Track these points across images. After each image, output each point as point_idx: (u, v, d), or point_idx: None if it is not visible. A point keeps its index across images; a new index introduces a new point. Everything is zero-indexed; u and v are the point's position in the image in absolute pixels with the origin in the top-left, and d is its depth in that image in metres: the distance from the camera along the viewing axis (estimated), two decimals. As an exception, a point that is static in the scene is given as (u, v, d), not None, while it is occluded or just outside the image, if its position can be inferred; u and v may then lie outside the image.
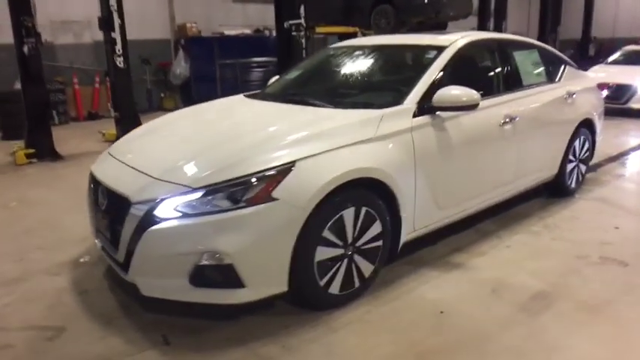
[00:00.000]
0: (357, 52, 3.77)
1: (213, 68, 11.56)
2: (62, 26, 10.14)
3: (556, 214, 4.02)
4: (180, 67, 11.41)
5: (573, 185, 4.48)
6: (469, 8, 9.50)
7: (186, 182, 2.32)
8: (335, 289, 2.57)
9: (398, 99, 2.93)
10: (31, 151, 6.17)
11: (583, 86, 4.44)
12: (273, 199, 2.27)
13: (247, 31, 12.28)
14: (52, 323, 2.58)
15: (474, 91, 2.89)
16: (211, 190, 2.27)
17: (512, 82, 3.69)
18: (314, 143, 2.48)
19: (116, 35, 6.79)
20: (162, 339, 2.40)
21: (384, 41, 3.82)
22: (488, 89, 3.45)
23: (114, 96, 7.19)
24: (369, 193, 2.60)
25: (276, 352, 2.28)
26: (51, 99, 9.49)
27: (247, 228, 2.24)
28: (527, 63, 3.92)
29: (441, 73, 3.08)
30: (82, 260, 3.31)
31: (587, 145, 4.51)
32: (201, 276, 2.29)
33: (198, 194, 2.27)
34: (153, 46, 11.39)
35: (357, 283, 2.68)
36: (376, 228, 2.67)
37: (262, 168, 2.32)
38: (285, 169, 2.33)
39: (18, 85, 9.18)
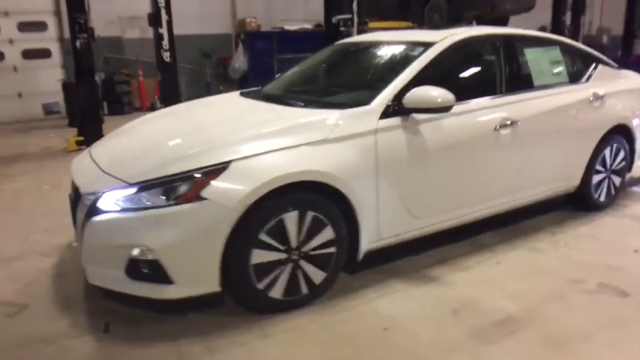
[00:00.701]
0: (352, 50, 3.63)
1: (271, 62, 11.74)
2: (130, 22, 10.83)
3: (571, 230, 3.61)
4: (239, 61, 11.73)
5: (603, 199, 3.98)
6: (531, 1, 8.77)
7: (124, 177, 2.37)
8: (277, 293, 2.50)
9: (369, 99, 2.77)
10: (81, 138, 6.68)
11: (619, 88, 3.93)
12: (202, 199, 2.25)
13: (308, 26, 12.32)
14: (19, 301, 2.77)
15: (446, 92, 2.65)
16: (145, 186, 2.31)
17: (518, 82, 3.34)
18: (257, 143, 2.42)
19: (163, 31, 7.14)
20: (104, 326, 2.49)
21: (380, 38, 3.62)
22: (482, 90, 3.15)
23: (161, 89, 7.56)
24: (316, 197, 2.49)
25: (198, 351, 2.27)
26: (116, 90, 10.29)
27: (174, 226, 2.25)
28: (542, 61, 3.52)
29: (421, 72, 2.86)
30: (73, 244, 3.52)
31: (622, 155, 3.98)
32: (135, 269, 2.33)
33: (133, 190, 2.31)
34: (214, 40, 11.83)
35: (304, 290, 2.58)
36: (327, 234, 2.55)
37: (194, 167, 2.30)
38: (218, 170, 2.30)
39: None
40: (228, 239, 2.30)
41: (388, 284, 2.85)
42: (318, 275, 2.60)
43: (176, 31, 11.40)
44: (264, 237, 2.38)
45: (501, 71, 3.27)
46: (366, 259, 2.85)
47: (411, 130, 2.76)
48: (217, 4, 11.89)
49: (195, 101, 3.68)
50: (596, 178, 3.87)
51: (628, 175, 4.22)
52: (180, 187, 2.28)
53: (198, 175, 2.29)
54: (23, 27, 9.13)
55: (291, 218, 2.43)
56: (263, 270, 2.43)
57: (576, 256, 3.19)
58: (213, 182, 2.27)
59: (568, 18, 11.61)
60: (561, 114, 3.48)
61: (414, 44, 3.13)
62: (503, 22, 9.26)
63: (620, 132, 3.92)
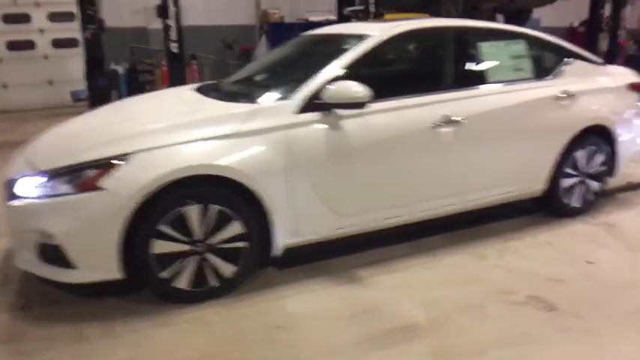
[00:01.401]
0: (307, 43, 3.57)
1: (293, 54, 11.76)
2: (155, 12, 11.13)
3: (529, 236, 3.41)
4: (261, 52, 11.82)
5: (577, 205, 3.74)
6: (555, -7, 8.28)
7: (36, 166, 2.48)
8: (183, 284, 2.54)
9: (291, 93, 2.73)
10: (90, 125, 6.97)
11: (598, 86, 3.66)
12: (100, 189, 2.32)
13: (333, 17, 12.21)
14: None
15: (362, 88, 2.57)
16: (52, 174, 2.40)
17: (466, 78, 3.18)
18: (162, 136, 2.46)
19: (171, 22, 7.29)
20: (23, 305, 2.62)
21: (326, 31, 3.54)
22: (420, 86, 3.01)
23: (170, 79, 7.76)
24: (221, 191, 2.50)
25: (97, 334, 2.35)
26: (139, 79, 10.64)
27: (74, 213, 2.33)
28: (501, 56, 3.32)
29: (351, 66, 2.79)
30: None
31: (600, 158, 3.71)
32: (43, 253, 2.44)
33: (44, 178, 2.41)
34: (238, 31, 11.96)
35: (213, 282, 2.61)
36: (235, 228, 2.56)
37: (95, 158, 2.37)
38: (118, 160, 2.35)
39: (113, 65, 10.51)
40: (129, 228, 2.36)
41: (308, 282, 2.82)
42: (227, 268, 2.62)
43: (201, 22, 11.74)
44: (163, 228, 2.42)
45: (446, 66, 3.13)
46: (301, 255, 2.87)
47: (333, 126, 2.70)
48: (243, -5, 12.04)
49: (148, 94, 3.76)
50: (565, 182, 3.64)
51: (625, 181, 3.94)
52: (81, 176, 2.35)
53: (99, 164, 2.35)
54: (53, 17, 9.59)
55: (192, 211, 2.45)
56: (165, 260, 2.47)
57: (519, 265, 3.02)
58: (112, 173, 2.33)
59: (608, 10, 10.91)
60: (519, 112, 3.28)
61: (351, 38, 3.05)
62: (526, 15, 8.82)
63: (597, 133, 3.66)
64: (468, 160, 3.13)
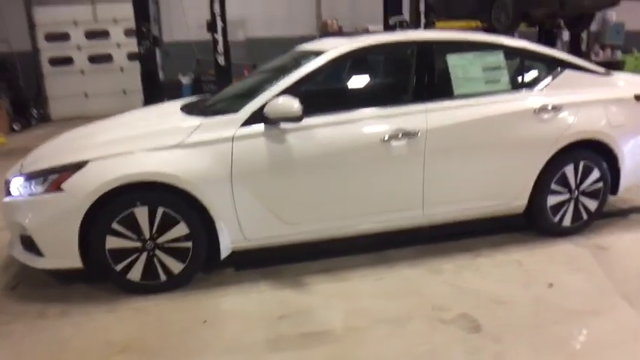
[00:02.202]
0: (285, 58, 3.75)
1: (349, 63, 11.94)
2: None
3: (501, 254, 3.28)
4: (319, 62, 12.15)
5: (567, 224, 3.51)
6: (614, -4, 7.61)
7: (22, 169, 2.93)
8: (135, 276, 2.85)
9: (240, 107, 2.94)
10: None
11: (594, 97, 3.42)
12: (61, 190, 2.70)
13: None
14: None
15: (295, 103, 2.71)
16: (28, 177, 2.83)
17: (427, 91, 3.14)
18: (117, 146, 2.80)
19: (218, 36, 7.84)
20: (14, 285, 3.10)
21: (309, 46, 3.66)
22: (373, 99, 3.05)
23: (218, 89, 8.31)
24: (167, 196, 2.77)
25: (55, 313, 2.73)
26: (204, 89, 11.44)
27: (41, 210, 2.74)
28: (472, 68, 3.23)
29: (299, 82, 2.94)
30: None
31: (595, 175, 3.45)
32: (23, 242, 2.89)
33: (23, 179, 2.85)
34: (299, 42, 12.34)
35: (163, 277, 2.89)
36: (181, 229, 2.82)
37: (60, 164, 2.76)
38: (76, 166, 2.72)
39: (179, 76, 11.42)
40: (86, 225, 2.72)
41: (256, 284, 3.00)
42: (176, 266, 2.88)
43: (262, 34, 12.36)
44: (116, 226, 2.74)
45: (403, 80, 3.13)
46: (264, 259, 3.13)
47: (275, 139, 2.86)
48: (304, 6, 12.43)
49: (143, 108, 4.17)
50: (552, 200, 3.44)
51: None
52: (47, 179, 2.75)
53: (62, 169, 2.74)
54: (128, 33, 10.70)
55: (141, 212, 2.75)
56: (119, 254, 2.80)
57: (471, 282, 2.94)
58: (71, 177, 2.71)
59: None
60: (488, 125, 3.18)
61: (310, 54, 3.18)
62: (588, 20, 8.21)
63: (592, 148, 3.44)
64: (428, 173, 3.10)
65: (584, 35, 11.45)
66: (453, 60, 3.23)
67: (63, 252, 2.79)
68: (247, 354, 2.33)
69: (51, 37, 10.30)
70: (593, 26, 11.49)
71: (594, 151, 3.47)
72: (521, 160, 3.31)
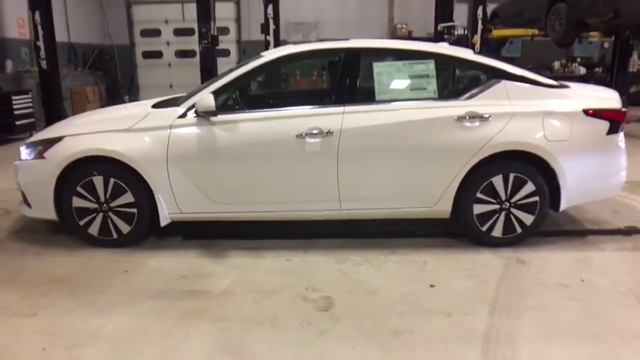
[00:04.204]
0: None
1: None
2: (295, 27, 12.68)
3: (413, 255, 3.46)
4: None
5: (497, 234, 3.56)
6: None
7: (28, 140, 3.82)
8: (94, 232, 3.59)
9: (182, 102, 3.54)
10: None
11: (532, 109, 3.43)
12: (44, 158, 3.51)
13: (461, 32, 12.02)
14: (5, 207, 4.55)
15: (210, 100, 3.23)
16: (28, 146, 3.69)
17: (348, 95, 3.42)
18: (87, 127, 3.56)
19: (270, 38, 8.55)
20: (19, 229, 4.02)
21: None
22: (293, 100, 3.44)
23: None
24: (118, 169, 3.44)
25: (31, 252, 3.57)
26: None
27: (30, 172, 3.59)
28: (398, 75, 3.45)
29: (233, 82, 3.47)
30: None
31: (528, 188, 3.46)
32: (22, 196, 3.76)
33: (24, 147, 3.73)
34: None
35: (114, 235, 3.59)
36: (127, 197, 3.49)
37: (46, 138, 3.58)
38: (55, 140, 3.51)
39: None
40: (59, 186, 3.50)
41: (189, 251, 3.56)
42: (124, 227, 3.57)
43: (335, 36, 12.87)
44: (80, 189, 3.50)
45: (328, 84, 3.47)
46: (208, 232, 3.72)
47: (204, 130, 3.40)
48: (376, 10, 12.73)
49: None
50: (479, 209, 3.52)
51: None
52: (37, 149, 3.58)
53: (45, 142, 3.56)
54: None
55: (98, 180, 3.47)
56: (82, 213, 3.55)
57: (363, 274, 3.20)
58: (51, 148, 3.51)
59: None
60: (406, 130, 3.38)
61: (255, 59, 3.66)
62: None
63: (528, 161, 3.45)
64: (342, 170, 3.40)
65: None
66: (379, 67, 3.47)
67: (43, 206, 3.60)
68: (132, 296, 2.92)
69: (145, 33, 11.89)
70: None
71: (530, 165, 3.48)
72: (441, 165, 3.44)
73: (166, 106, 3.68)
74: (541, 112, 3.45)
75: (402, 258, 3.45)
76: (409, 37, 12.29)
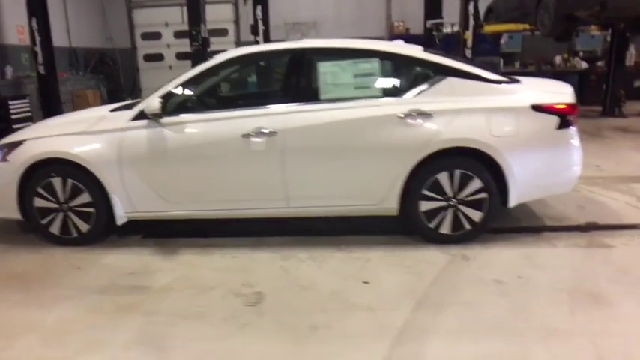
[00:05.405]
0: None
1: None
2: (293, 27, 12.78)
3: (358, 252, 3.52)
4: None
5: (446, 231, 3.59)
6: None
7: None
8: (55, 230, 3.75)
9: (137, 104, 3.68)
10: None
11: (476, 105, 3.43)
12: (7, 161, 3.69)
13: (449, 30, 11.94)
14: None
15: (155, 103, 3.37)
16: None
17: (293, 94, 3.51)
18: (45, 131, 3.73)
19: (259, 39, 8.67)
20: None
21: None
22: (239, 101, 3.54)
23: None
24: (75, 170, 3.59)
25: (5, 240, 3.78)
26: (271, 85, 12.49)
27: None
28: (342, 74, 3.49)
29: (182, 85, 3.59)
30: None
31: (475, 185, 3.47)
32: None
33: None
34: (367, 42, 12.73)
35: (74, 233, 3.75)
36: (85, 198, 3.64)
37: (11, 141, 3.76)
38: (16, 144, 3.69)
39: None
40: (22, 187, 3.68)
41: (142, 249, 3.71)
42: (84, 226, 3.72)
43: (333, 35, 12.91)
44: (40, 190, 3.67)
45: (275, 85, 3.55)
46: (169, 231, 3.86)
47: (154, 132, 3.52)
48: (374, 8, 12.71)
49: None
50: (426, 206, 3.55)
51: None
52: (2, 151, 3.77)
53: (8, 146, 3.74)
54: (211, 33, 12.11)
55: (57, 181, 3.63)
56: (43, 212, 3.72)
57: (303, 270, 3.29)
58: (13, 151, 3.68)
59: None
60: (350, 128, 3.43)
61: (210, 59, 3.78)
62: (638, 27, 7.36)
63: (474, 157, 3.46)
64: (287, 169, 3.47)
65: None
66: (324, 67, 3.53)
67: (9, 207, 3.77)
68: (78, 291, 3.07)
69: (146, 36, 12.17)
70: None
71: (476, 161, 3.49)
72: (385, 163, 3.48)
73: (125, 110, 3.83)
74: (486, 108, 3.46)
75: (347, 255, 3.52)
76: (406, 34, 12.24)
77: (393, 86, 3.60)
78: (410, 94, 3.54)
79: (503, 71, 11.25)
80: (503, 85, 3.60)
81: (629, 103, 10.01)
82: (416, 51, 3.69)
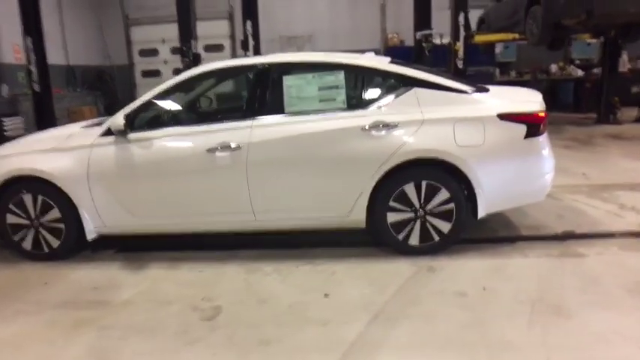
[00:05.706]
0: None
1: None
2: (288, 40, 12.90)
3: (324, 265, 3.49)
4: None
5: (414, 243, 3.55)
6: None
7: None
8: (27, 246, 3.78)
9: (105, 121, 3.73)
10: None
11: (442, 116, 3.42)
12: (-16, 178, 3.76)
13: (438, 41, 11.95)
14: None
15: (119, 120, 3.40)
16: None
17: (257, 108, 3.51)
18: (16, 148, 3.79)
19: (249, 54, 8.76)
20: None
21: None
22: (203, 116, 3.57)
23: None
24: (44, 187, 3.63)
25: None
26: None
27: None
28: (306, 88, 3.50)
29: (149, 102, 3.62)
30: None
31: (442, 196, 3.44)
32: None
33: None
34: (362, 54, 12.80)
35: (46, 249, 3.78)
36: (55, 213, 3.68)
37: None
38: (-8, 161, 3.76)
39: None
40: (-3, 204, 3.74)
41: (111, 263, 3.71)
42: (54, 241, 3.75)
43: (328, 48, 13.01)
44: (12, 207, 3.71)
45: (239, 99, 3.57)
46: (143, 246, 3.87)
47: (121, 147, 3.56)
48: (369, 21, 12.80)
49: None
50: (393, 217, 3.53)
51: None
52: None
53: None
54: (207, 48, 12.29)
55: (27, 198, 3.67)
56: (15, 228, 3.76)
57: (265, 283, 3.28)
58: (-12, 168, 3.76)
59: None
60: (314, 141, 3.43)
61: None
62: (634, 34, 7.32)
63: (442, 168, 3.43)
64: (252, 182, 3.47)
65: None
66: (289, 80, 3.54)
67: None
68: (39, 306, 3.08)
69: (143, 53, 12.36)
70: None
71: (444, 171, 3.46)
72: (350, 175, 3.47)
73: (95, 127, 3.87)
74: (452, 119, 3.44)
75: (312, 268, 3.50)
76: (401, 45, 12.30)
77: (359, 98, 3.61)
78: (375, 106, 3.54)
79: (500, 80, 11.26)
80: (470, 94, 3.59)
81: (626, 109, 9.90)
82: (381, 63, 3.70)
